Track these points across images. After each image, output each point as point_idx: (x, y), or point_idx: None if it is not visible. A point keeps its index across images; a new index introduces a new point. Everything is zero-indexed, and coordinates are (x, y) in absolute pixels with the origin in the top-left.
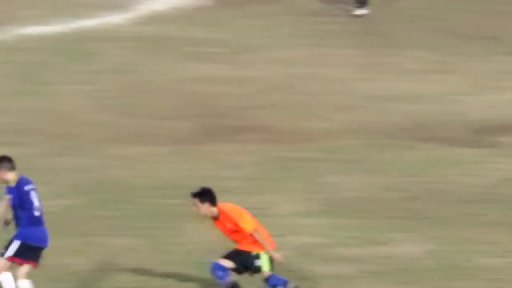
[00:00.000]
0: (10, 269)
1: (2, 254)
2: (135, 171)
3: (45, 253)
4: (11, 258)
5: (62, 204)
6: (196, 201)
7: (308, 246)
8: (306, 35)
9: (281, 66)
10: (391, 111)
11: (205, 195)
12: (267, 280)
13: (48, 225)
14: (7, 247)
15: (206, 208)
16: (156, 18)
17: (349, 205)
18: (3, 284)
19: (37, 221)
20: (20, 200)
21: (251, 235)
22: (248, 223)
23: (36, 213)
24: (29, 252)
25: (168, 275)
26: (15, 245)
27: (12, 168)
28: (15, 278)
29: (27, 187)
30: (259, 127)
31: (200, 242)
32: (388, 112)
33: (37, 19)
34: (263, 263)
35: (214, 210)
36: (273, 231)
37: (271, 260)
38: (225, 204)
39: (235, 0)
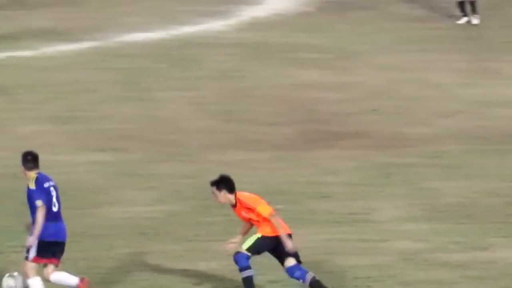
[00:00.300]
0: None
1: (26, 258)
2: (236, 177)
3: (148, 259)
4: (35, 259)
5: (164, 210)
6: (214, 189)
7: (409, 252)
8: (407, 41)
9: (382, 72)
10: (493, 116)
11: (222, 183)
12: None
13: (150, 231)
14: (28, 250)
15: (223, 196)
16: (257, 25)
17: (451, 210)
18: None
19: (54, 217)
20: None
21: (268, 219)
22: (264, 207)
23: (54, 209)
24: (50, 250)
25: (270, 281)
26: (33, 246)
27: (32, 167)
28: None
29: (46, 184)
30: (361, 133)
31: (302, 248)
32: (490, 117)
33: (140, 26)
34: None
35: (231, 197)
36: (374, 237)
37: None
38: (242, 192)
39: (336, 6)
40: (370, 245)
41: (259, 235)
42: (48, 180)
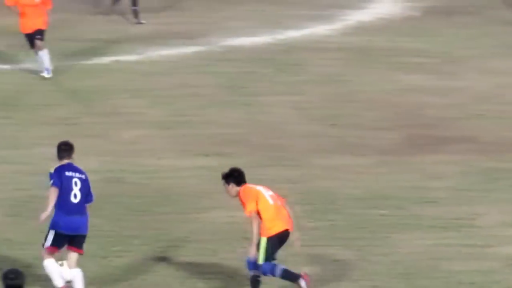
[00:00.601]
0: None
1: (43, 245)
2: (341, 182)
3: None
4: (50, 249)
5: None
6: (223, 182)
7: None
8: None
9: (488, 77)
10: None
11: (230, 176)
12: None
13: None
14: (46, 237)
15: (231, 189)
16: (362, 29)
17: None
18: (47, 270)
19: (72, 209)
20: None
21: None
22: (248, 205)
23: (74, 201)
24: (65, 240)
25: (373, 286)
26: (50, 235)
27: (63, 157)
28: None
29: (68, 173)
30: (466, 138)
31: (407, 253)
32: None
33: (245, 31)
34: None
35: (239, 190)
36: (479, 242)
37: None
38: (248, 185)
39: (441, 10)
40: (475, 251)
41: (264, 239)
42: (74, 170)
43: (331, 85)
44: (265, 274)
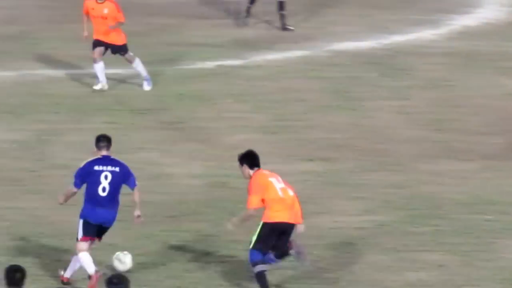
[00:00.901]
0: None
1: (77, 239)
2: (446, 187)
3: (356, 269)
4: (84, 238)
5: (373, 220)
6: (239, 164)
7: None
8: None
9: None
10: None
11: (244, 158)
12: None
13: (358, 241)
14: (77, 231)
15: (244, 170)
16: (468, 34)
17: None
18: (82, 263)
19: (99, 202)
20: (86, 179)
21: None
22: (250, 200)
23: (102, 194)
24: (95, 229)
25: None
26: (80, 225)
27: (100, 147)
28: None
29: (98, 167)
30: None
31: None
32: None
33: (350, 35)
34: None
35: (251, 173)
36: None
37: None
38: (261, 171)
39: None
40: None
41: (261, 223)
42: (106, 164)
43: (436, 90)
44: (251, 259)
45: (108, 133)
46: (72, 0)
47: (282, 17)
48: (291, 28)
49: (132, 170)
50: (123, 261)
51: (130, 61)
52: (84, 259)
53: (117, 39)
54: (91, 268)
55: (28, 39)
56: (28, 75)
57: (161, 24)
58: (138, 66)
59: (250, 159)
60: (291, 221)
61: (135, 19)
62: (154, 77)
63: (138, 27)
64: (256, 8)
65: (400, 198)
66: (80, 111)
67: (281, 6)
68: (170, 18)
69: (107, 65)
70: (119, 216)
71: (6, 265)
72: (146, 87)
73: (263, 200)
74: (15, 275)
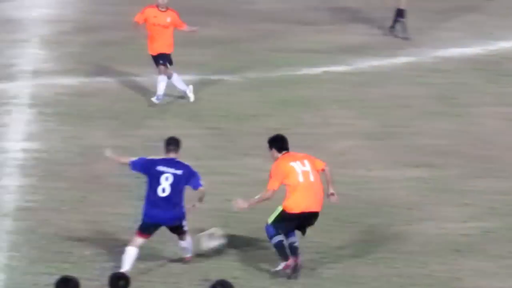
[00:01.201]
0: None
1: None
2: None
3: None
4: (139, 233)
5: (479, 227)
6: (268, 148)
7: None
8: None
9: None
10: None
11: (272, 141)
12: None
13: (464, 247)
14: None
15: (272, 154)
16: None
17: None
18: (124, 255)
19: (157, 202)
20: (145, 172)
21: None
22: (270, 182)
23: (161, 194)
24: (152, 228)
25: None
26: (140, 222)
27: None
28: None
29: (161, 168)
30: None
31: None
32: None
33: (456, 41)
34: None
35: (278, 157)
36: None
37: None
38: (282, 159)
39: None
40: None
41: (280, 208)
42: (170, 166)
43: None
44: (267, 234)
45: (213, 139)
46: (177, 7)
47: (402, 24)
48: (409, 37)
49: (237, 177)
50: (216, 236)
51: (163, 72)
52: (128, 254)
53: (168, 47)
54: (127, 266)
55: (131, 45)
56: (132, 81)
57: (266, 30)
58: (162, 82)
59: (279, 143)
60: (309, 209)
61: (240, 25)
62: (258, 83)
63: (243, 33)
64: (362, 14)
65: (506, 205)
66: (185, 117)
67: (400, 14)
68: (275, 24)
69: (218, 71)
70: (222, 221)
71: (112, 272)
72: (155, 100)
73: (285, 185)
74: (119, 282)
